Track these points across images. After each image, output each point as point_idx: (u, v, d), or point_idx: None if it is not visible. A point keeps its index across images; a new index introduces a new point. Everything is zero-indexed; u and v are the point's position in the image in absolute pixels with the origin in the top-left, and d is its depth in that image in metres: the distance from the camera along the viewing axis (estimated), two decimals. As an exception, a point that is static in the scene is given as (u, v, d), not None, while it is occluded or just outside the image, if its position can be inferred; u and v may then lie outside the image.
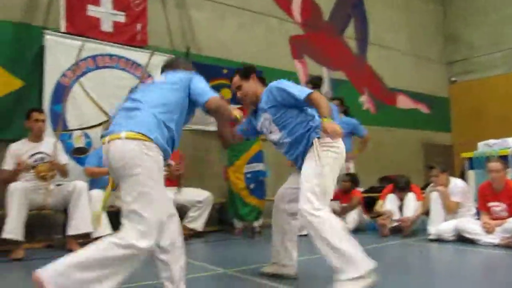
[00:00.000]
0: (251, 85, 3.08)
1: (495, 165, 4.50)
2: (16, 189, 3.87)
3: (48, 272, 1.99)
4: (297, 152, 2.86)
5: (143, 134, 2.19)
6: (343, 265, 2.46)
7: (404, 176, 5.44)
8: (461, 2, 9.94)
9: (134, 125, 2.22)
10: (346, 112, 6.10)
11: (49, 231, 4.73)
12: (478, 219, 4.62)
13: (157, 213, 2.15)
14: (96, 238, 4.21)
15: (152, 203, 2.15)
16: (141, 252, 2.10)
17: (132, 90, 2.71)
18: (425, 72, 9.57)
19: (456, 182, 4.86)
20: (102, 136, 2.87)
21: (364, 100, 8.36)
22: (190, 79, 2.49)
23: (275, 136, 2.95)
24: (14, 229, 3.76)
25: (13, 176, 4.08)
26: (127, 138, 2.18)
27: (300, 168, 2.80)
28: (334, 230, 2.53)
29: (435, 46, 9.94)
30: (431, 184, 5.00)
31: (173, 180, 5.17)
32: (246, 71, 3.10)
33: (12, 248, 3.84)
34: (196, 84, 2.48)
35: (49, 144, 4.38)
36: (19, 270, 3.52)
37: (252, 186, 5.34)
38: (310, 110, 2.87)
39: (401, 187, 5.26)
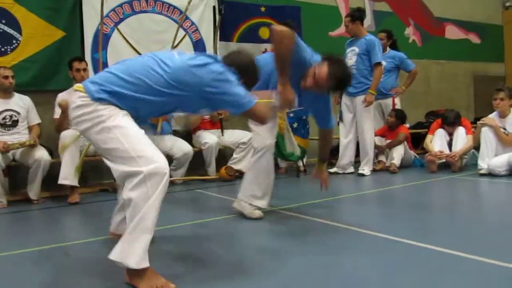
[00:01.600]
0: None
1: None
2: (66, 136, 4.01)
3: None
4: None
5: None
6: None
7: (454, 110, 5.22)
8: None
9: None
10: (393, 45, 5.82)
11: (101, 177, 4.94)
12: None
13: None
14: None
15: None
16: None
17: None
18: (477, -3, 8.91)
19: None
20: None
21: (410, 32, 7.94)
22: None
23: None
24: (68, 175, 3.93)
25: (63, 121, 4.21)
26: None
27: None
28: None
29: (488, -33, 9.17)
30: (482, 119, 4.78)
31: (216, 123, 5.21)
32: None
33: (69, 193, 4.03)
34: None
35: (94, 92, 4.45)
36: (76, 213, 3.72)
37: (295, 125, 5.28)
38: None
39: (451, 122, 5.06)
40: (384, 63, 4.97)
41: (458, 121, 5.08)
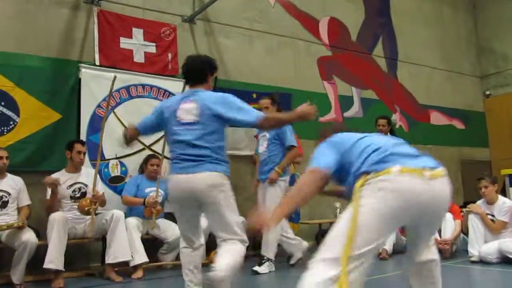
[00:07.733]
0: None
1: None
2: (55, 219, 3.97)
3: None
4: None
5: None
6: None
7: (442, 195, 5.27)
8: (492, 11, 9.72)
9: None
10: (391, 132, 5.94)
11: (87, 260, 4.82)
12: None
13: None
14: (134, 267, 4.29)
15: None
16: None
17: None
18: (458, 86, 9.37)
19: (504, 200, 4.67)
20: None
21: (396, 118, 8.23)
22: None
23: None
24: (55, 259, 3.85)
25: (53, 201, 4.21)
26: None
27: None
28: None
29: (467, 59, 9.73)
30: (468, 206, 4.83)
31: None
32: None
33: (53, 277, 3.92)
34: None
35: (86, 174, 4.49)
36: (59, 299, 3.58)
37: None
38: None
39: (440, 207, 5.09)
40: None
41: (447, 206, 5.11)
